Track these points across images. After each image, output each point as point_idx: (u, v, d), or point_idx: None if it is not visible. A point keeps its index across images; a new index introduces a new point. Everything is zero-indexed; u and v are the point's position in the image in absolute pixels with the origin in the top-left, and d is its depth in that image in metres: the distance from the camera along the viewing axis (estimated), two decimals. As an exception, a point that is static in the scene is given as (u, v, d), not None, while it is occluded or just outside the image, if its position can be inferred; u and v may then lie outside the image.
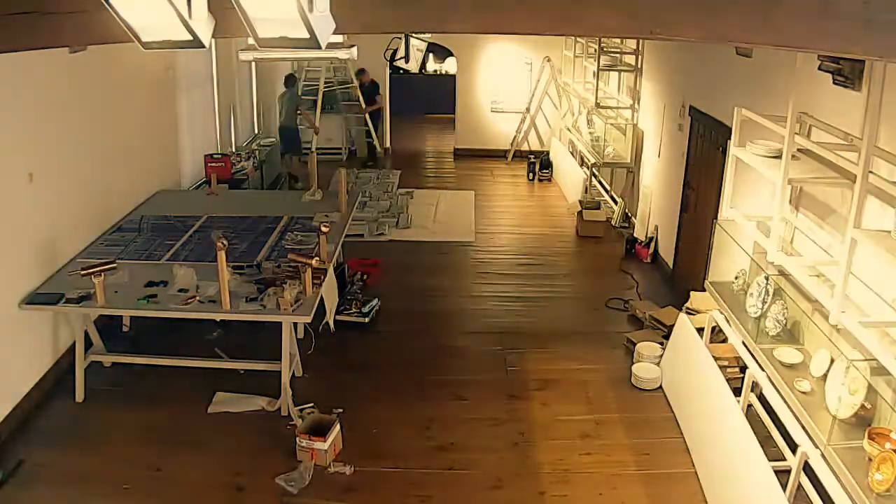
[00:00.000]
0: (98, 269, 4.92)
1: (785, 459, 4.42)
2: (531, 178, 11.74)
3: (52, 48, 4.78)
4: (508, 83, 12.66)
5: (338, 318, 6.27)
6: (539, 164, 11.70)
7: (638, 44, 9.14)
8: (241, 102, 11.48)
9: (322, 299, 5.30)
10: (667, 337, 6.03)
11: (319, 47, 2.34)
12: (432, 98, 15.67)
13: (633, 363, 5.91)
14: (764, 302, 4.66)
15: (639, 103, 9.23)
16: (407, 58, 10.43)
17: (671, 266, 7.69)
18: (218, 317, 5.16)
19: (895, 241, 3.18)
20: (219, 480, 4.62)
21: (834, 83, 4.27)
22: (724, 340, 5.17)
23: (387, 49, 10.90)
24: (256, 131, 12.09)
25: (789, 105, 4.00)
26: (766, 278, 4.64)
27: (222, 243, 4.79)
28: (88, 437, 4.96)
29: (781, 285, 4.48)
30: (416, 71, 12.50)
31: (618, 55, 9.77)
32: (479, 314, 7.03)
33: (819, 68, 4.38)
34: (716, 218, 5.52)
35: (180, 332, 6.02)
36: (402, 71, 13.30)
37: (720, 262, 5.53)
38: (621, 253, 8.55)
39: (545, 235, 9.29)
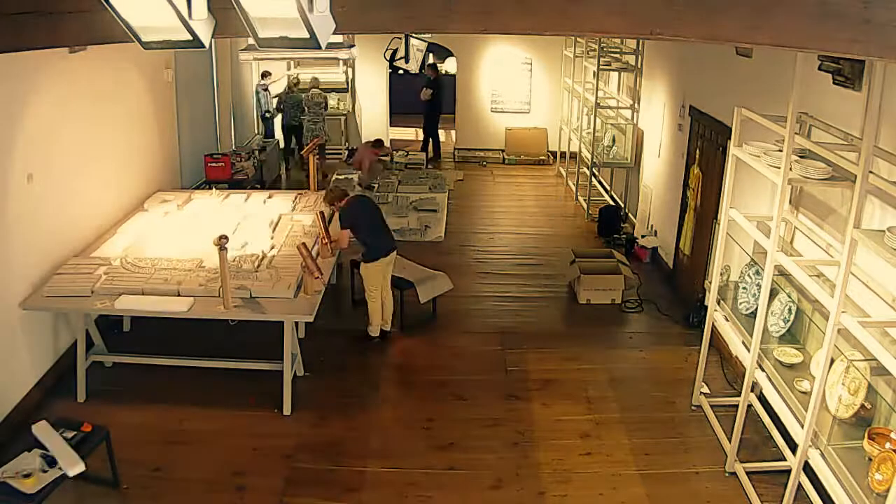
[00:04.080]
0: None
1: (785, 459, 4.42)
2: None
3: (52, 48, 4.81)
4: (508, 83, 12.67)
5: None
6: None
7: (638, 44, 9.14)
8: (241, 102, 11.49)
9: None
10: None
11: (319, 47, 2.34)
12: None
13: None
14: (755, 297, 4.67)
15: (639, 103, 9.23)
16: (407, 58, 10.41)
17: (671, 266, 7.69)
18: (217, 317, 5.15)
19: (891, 241, 3.18)
20: (219, 480, 4.61)
21: (834, 83, 4.27)
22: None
23: (387, 49, 10.87)
24: (256, 131, 12.11)
25: (789, 105, 4.00)
26: (757, 272, 4.66)
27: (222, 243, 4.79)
28: (88, 437, 4.95)
29: (776, 280, 4.48)
30: (416, 71, 12.48)
31: (618, 55, 9.78)
32: (479, 314, 7.02)
33: (819, 68, 4.38)
34: (716, 218, 5.53)
35: (180, 332, 6.02)
36: (402, 71, 13.28)
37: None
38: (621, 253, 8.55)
39: (545, 235, 9.29)
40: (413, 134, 14.04)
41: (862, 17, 2.13)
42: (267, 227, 6.43)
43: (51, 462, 4.03)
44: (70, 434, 4.20)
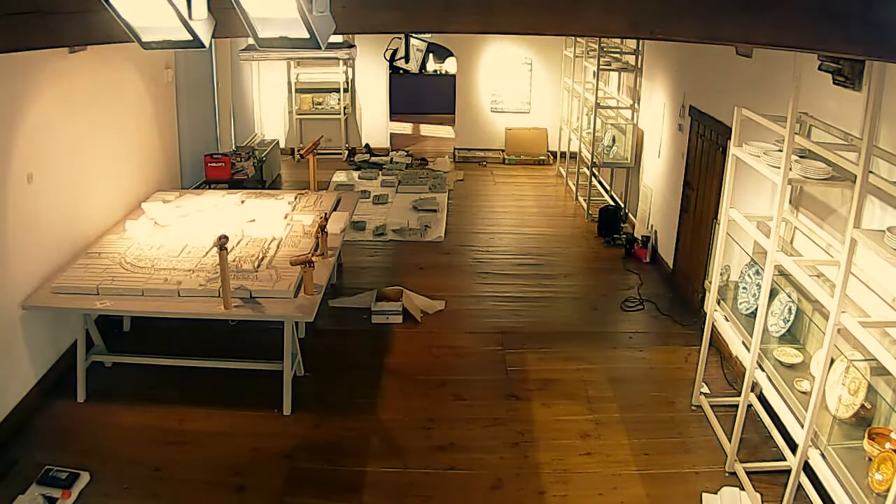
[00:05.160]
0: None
1: (785, 459, 4.42)
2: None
3: (52, 48, 4.81)
4: (508, 83, 12.68)
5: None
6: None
7: (638, 44, 9.14)
8: (242, 102, 11.49)
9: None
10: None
11: (319, 47, 2.35)
12: (432, 98, 15.69)
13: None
14: (755, 297, 4.68)
15: (639, 103, 9.23)
16: (407, 58, 10.43)
17: (671, 266, 7.69)
18: (217, 317, 5.15)
19: (891, 241, 3.18)
20: (219, 480, 4.62)
21: (834, 83, 4.28)
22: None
23: (387, 49, 10.89)
24: (256, 131, 12.12)
25: (789, 105, 4.00)
26: (757, 272, 4.66)
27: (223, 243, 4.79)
28: (88, 437, 4.96)
29: (776, 280, 4.49)
30: (416, 71, 12.50)
31: (618, 55, 9.78)
32: (479, 314, 7.02)
33: (819, 68, 4.38)
34: (716, 218, 5.53)
35: (180, 332, 6.02)
36: (402, 71, 13.31)
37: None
38: (621, 253, 8.55)
39: (545, 235, 9.29)
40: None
41: (862, 17, 2.13)
42: (282, 219, 6.51)
43: (50, 501, 4.09)
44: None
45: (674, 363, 6.14)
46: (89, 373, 5.41)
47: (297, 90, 12.55)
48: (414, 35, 9.93)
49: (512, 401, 5.59)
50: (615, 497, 4.57)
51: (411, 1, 2.83)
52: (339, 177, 11.41)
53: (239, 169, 9.18)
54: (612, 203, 9.92)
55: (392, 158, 12.42)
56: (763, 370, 4.37)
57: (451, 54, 13.56)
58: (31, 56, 4.86)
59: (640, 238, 8.52)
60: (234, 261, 5.48)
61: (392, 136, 13.43)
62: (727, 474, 4.71)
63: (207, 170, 8.80)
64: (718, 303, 5.09)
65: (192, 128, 8.82)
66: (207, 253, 5.61)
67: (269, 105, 12.62)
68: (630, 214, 9.52)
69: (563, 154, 11.76)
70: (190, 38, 2.54)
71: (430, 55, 14.94)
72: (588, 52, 10.43)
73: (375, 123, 13.12)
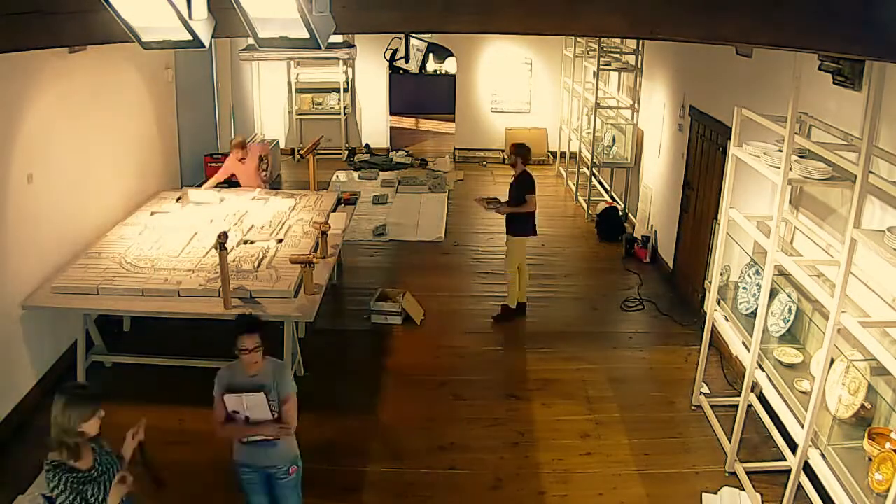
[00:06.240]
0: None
1: (785, 459, 4.42)
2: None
3: (52, 48, 4.81)
4: (508, 83, 12.67)
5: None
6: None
7: (638, 44, 9.14)
8: (242, 102, 11.49)
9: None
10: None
11: (319, 47, 2.35)
12: (432, 98, 15.68)
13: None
14: (755, 297, 4.68)
15: (639, 103, 9.23)
16: (407, 58, 10.42)
17: (671, 266, 7.69)
18: (217, 316, 5.14)
19: (891, 241, 3.18)
20: (219, 480, 4.61)
21: (834, 83, 4.28)
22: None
23: (387, 49, 10.88)
24: (256, 131, 12.11)
25: (789, 105, 4.00)
26: (757, 272, 4.66)
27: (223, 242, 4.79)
28: (88, 437, 4.95)
29: (776, 280, 4.49)
30: (416, 71, 12.48)
31: (618, 55, 9.78)
32: (479, 314, 7.02)
33: (819, 68, 4.39)
34: (716, 218, 5.53)
35: (180, 332, 6.02)
36: (402, 71, 13.29)
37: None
38: (621, 253, 8.55)
39: (545, 235, 9.27)
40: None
41: (862, 17, 2.13)
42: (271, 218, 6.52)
43: (50, 501, 4.06)
44: None
45: (674, 363, 6.14)
46: (89, 373, 5.41)
47: (297, 90, 12.55)
48: (414, 35, 9.92)
49: (512, 401, 5.58)
50: (615, 497, 4.57)
51: (411, 1, 2.83)
52: (340, 177, 11.40)
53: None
54: (612, 203, 9.92)
55: (392, 158, 12.40)
56: (763, 370, 4.37)
57: (451, 54, 13.55)
58: (31, 56, 4.86)
59: (640, 238, 8.53)
60: (234, 261, 5.48)
61: (392, 136, 13.40)
62: (727, 474, 4.71)
63: (207, 170, 8.80)
64: (718, 303, 5.09)
65: (192, 128, 8.82)
66: (207, 253, 5.61)
67: (269, 105, 12.61)
68: (630, 214, 9.52)
69: (563, 154, 11.75)
70: (190, 38, 2.54)
71: (430, 55, 14.91)
72: (588, 52, 10.43)
73: (375, 123, 13.12)
